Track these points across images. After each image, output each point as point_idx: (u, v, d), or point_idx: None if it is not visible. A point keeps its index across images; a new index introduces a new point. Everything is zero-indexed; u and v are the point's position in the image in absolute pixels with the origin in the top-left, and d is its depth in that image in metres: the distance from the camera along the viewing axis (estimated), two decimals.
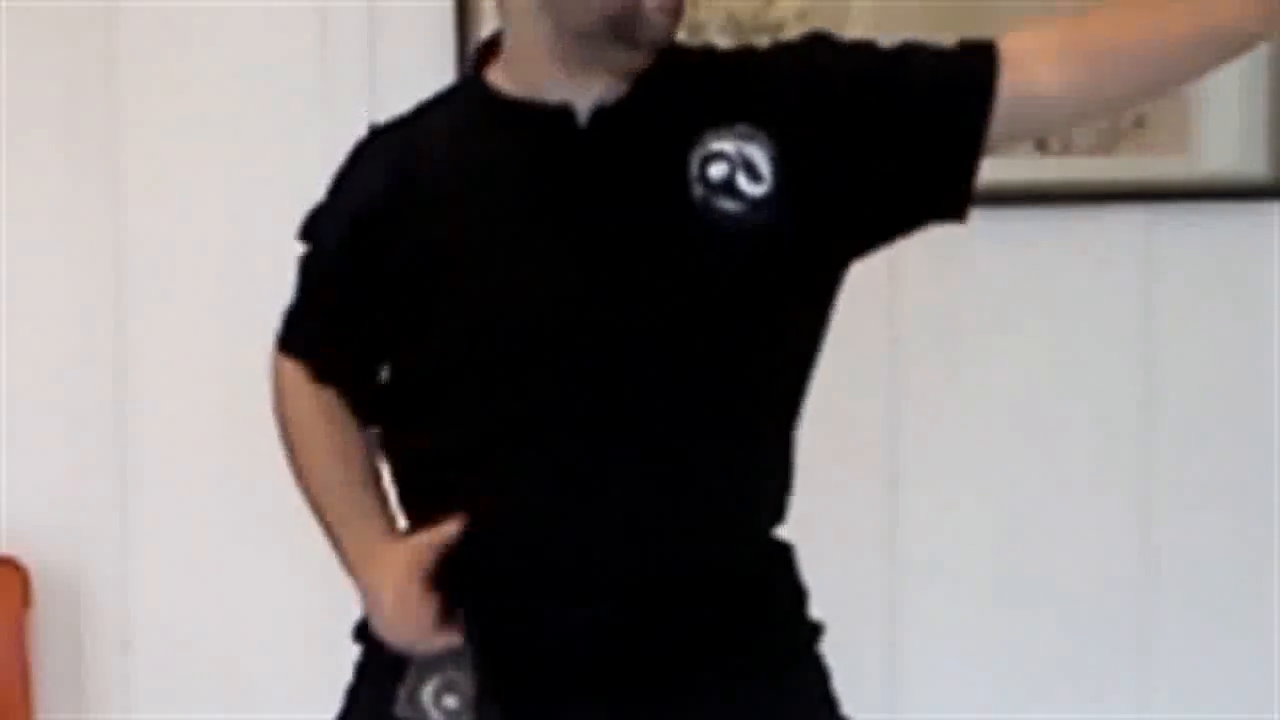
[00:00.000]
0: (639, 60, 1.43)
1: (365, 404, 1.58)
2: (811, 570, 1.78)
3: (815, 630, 1.61)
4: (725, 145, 1.38)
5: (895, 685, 4.40)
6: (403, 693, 1.52)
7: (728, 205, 1.41)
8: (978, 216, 4.51)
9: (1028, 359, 4.46)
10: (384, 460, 1.65)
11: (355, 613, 1.85)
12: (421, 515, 1.51)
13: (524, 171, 1.45)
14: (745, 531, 1.51)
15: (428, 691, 1.49)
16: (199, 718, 4.24)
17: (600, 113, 1.43)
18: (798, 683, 1.53)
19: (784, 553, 1.59)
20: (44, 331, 4.34)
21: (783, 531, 1.71)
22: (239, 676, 4.33)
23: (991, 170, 4.54)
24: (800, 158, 1.42)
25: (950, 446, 4.46)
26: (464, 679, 1.46)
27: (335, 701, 2.12)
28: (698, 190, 1.39)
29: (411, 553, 1.45)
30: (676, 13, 1.45)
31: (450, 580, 1.48)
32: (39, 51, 4.24)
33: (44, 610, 4.31)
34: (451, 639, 1.48)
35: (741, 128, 1.40)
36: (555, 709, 1.46)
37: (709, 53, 1.55)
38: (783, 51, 1.53)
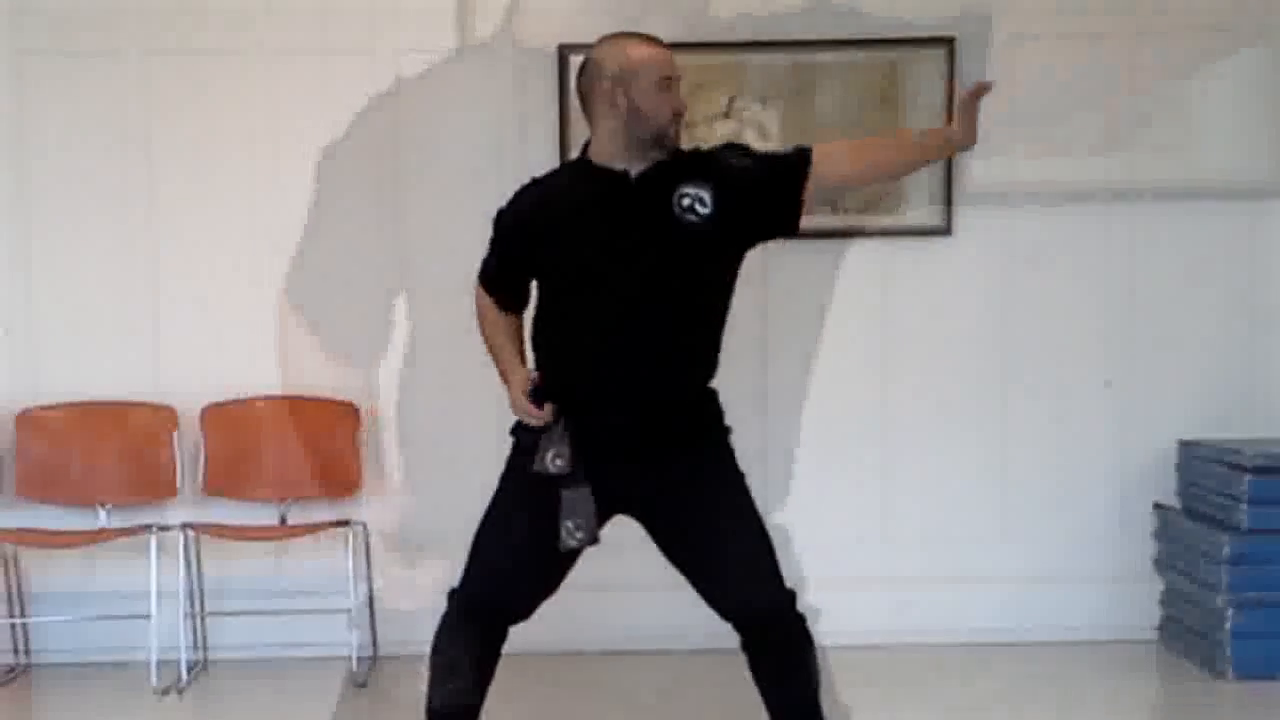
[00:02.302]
0: (663, 154, 3.09)
1: (513, 305, 3.25)
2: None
3: (727, 430, 3.14)
4: (690, 189, 3.07)
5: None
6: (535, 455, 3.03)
7: (691, 218, 3.07)
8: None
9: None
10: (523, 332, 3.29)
11: None
12: (546, 356, 3.13)
13: (599, 203, 3.09)
14: (693, 379, 3.13)
15: (549, 455, 3.04)
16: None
17: (641, 176, 3.10)
18: (719, 453, 3.12)
19: (713, 394, 3.15)
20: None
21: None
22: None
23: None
24: (724, 201, 3.08)
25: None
26: (565, 448, 3.02)
27: None
28: (677, 210, 3.08)
29: (522, 377, 3.15)
30: (679, 134, 3.10)
31: (555, 396, 3.09)
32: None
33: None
34: (550, 418, 3.09)
35: (699, 182, 3.08)
36: (604, 465, 3.04)
37: (692, 151, 3.18)
38: (721, 151, 3.23)
